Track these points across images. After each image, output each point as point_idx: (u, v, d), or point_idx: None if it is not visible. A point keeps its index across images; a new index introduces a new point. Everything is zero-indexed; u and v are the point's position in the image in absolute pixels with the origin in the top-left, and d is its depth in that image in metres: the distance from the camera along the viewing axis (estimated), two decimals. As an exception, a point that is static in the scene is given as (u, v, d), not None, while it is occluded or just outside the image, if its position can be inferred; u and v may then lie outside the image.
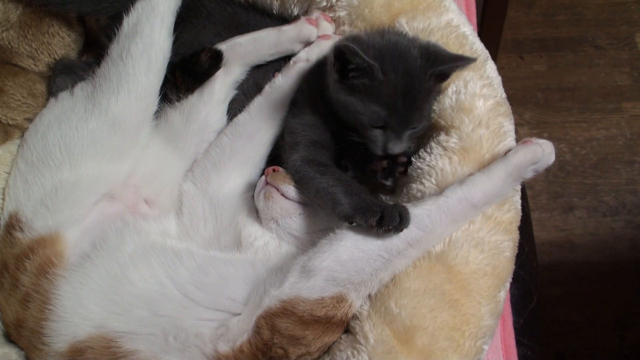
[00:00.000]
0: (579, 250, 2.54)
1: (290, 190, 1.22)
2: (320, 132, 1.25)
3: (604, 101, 2.81)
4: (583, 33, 2.94)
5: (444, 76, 1.20)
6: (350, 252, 1.07)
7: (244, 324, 1.09)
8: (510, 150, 1.14)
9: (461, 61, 1.19)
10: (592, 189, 2.65)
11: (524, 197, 1.21)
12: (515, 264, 1.17)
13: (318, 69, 1.31)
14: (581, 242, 2.55)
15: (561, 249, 2.54)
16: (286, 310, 1.07)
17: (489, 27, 2.47)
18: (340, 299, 1.09)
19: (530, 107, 2.77)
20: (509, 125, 1.19)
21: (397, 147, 1.19)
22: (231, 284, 1.15)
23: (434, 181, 1.18)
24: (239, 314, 1.12)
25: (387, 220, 1.05)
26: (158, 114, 1.36)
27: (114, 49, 1.31)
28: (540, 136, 1.15)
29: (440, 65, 1.17)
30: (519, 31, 2.96)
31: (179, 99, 1.37)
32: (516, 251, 1.16)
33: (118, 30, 1.32)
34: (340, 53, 1.14)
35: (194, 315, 1.13)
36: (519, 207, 1.18)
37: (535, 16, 3.01)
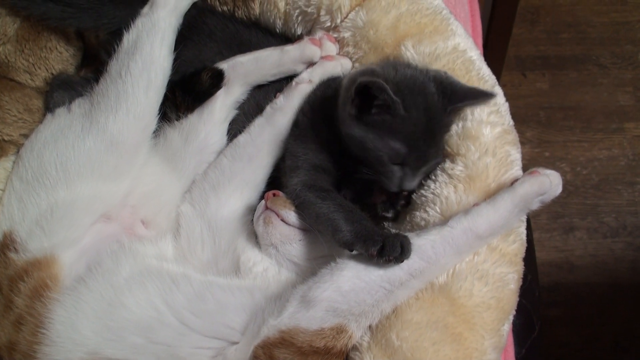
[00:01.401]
0: (578, 272, 2.53)
1: (291, 215, 1.19)
2: (322, 156, 1.23)
3: (607, 121, 2.80)
4: (587, 51, 2.93)
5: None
6: (352, 283, 1.05)
7: (242, 354, 1.07)
8: (516, 180, 1.12)
9: (481, 97, 1.18)
10: (592, 210, 2.63)
11: (527, 226, 1.19)
12: (519, 294, 1.14)
13: (321, 90, 1.30)
14: (581, 263, 2.54)
15: (561, 269, 2.53)
16: (285, 341, 1.04)
17: (494, 45, 2.46)
18: (340, 330, 1.06)
19: (532, 126, 2.75)
20: (515, 154, 1.17)
21: (413, 184, 1.18)
22: (229, 312, 1.12)
23: (438, 210, 1.16)
24: (237, 343, 1.10)
25: (388, 250, 1.03)
26: (157, 132, 1.33)
27: (113, 66, 1.28)
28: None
29: (459, 102, 1.16)
30: (522, 48, 2.95)
31: (178, 118, 1.35)
32: (520, 283, 1.14)
33: (118, 46, 1.29)
34: (365, 89, 1.11)
35: (190, 343, 1.10)
36: (525, 238, 1.15)
37: (538, 33, 3.00)
